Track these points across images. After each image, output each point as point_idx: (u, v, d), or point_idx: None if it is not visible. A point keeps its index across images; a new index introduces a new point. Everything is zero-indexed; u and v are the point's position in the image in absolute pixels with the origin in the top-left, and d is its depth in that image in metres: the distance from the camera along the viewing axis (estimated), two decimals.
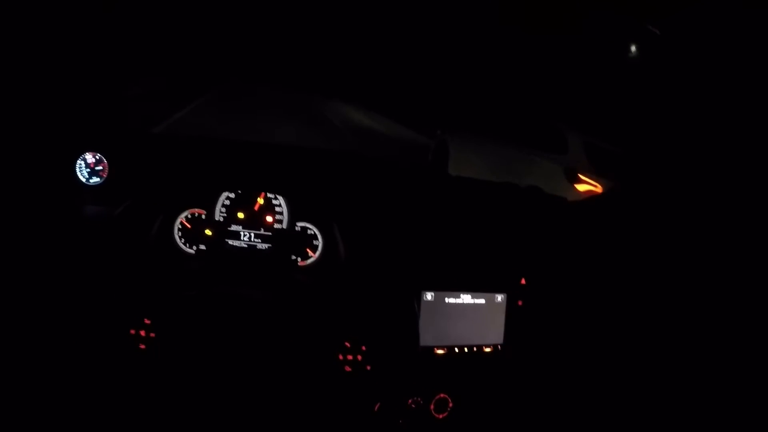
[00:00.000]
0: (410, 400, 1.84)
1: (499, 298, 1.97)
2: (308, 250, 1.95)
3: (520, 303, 1.98)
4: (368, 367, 1.71)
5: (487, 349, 1.95)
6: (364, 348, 1.72)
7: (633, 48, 2.34)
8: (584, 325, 2.07)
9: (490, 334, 1.96)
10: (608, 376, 2.06)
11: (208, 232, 1.92)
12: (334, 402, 1.69)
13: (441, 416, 1.88)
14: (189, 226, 1.92)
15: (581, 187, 2.36)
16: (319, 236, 1.95)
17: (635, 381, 2.05)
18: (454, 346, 1.91)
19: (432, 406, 1.87)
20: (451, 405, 1.89)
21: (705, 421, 1.94)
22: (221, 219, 1.92)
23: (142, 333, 1.64)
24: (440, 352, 1.89)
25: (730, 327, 1.94)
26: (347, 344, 1.71)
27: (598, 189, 2.35)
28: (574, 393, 2.04)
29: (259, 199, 1.93)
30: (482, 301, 1.95)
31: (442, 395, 1.88)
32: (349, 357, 1.71)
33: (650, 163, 2.31)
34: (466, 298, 1.93)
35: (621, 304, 2.08)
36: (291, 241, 1.94)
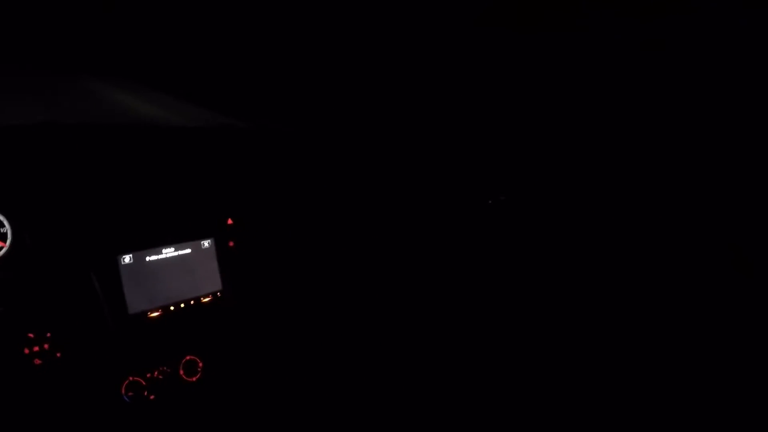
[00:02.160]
0: (156, 372, 1.72)
1: (206, 243, 1.80)
2: None
3: (231, 244, 1.80)
4: (58, 354, 1.60)
5: (206, 299, 1.83)
6: (48, 335, 1.59)
7: None
8: (297, 258, 2.03)
9: (206, 283, 1.84)
10: (329, 302, 2.00)
11: None
12: (35, 399, 1.60)
13: (194, 379, 1.79)
14: None
15: None
16: (6, 223, 1.72)
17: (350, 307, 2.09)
18: (169, 305, 1.77)
19: (181, 371, 1.77)
20: (201, 364, 1.80)
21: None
22: None
23: None
24: (155, 314, 1.75)
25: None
26: (31, 335, 1.59)
27: None
28: (303, 325, 2.02)
29: None
30: (188, 250, 1.81)
31: (188, 358, 1.78)
32: (36, 348, 1.59)
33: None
34: (169, 252, 1.78)
35: (328, 233, 2.06)
36: None
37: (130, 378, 1.66)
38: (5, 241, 1.65)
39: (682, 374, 1.98)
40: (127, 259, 1.70)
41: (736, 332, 1.95)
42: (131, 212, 1.76)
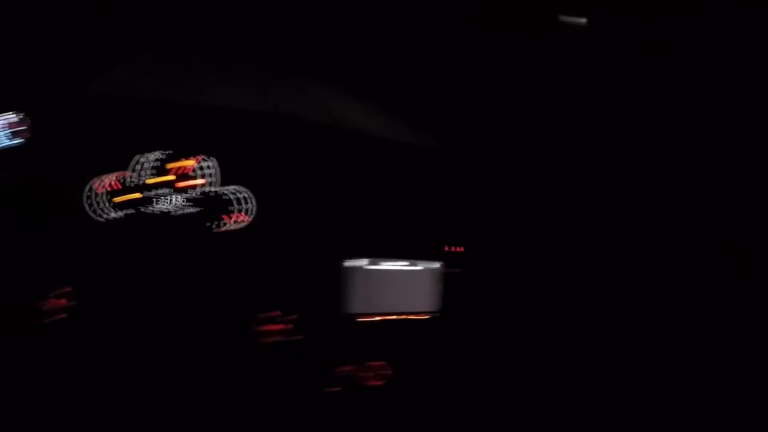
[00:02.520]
0: (348, 369, 1.83)
1: (435, 265, 1.99)
2: (236, 215, 1.85)
3: (457, 271, 1.99)
4: (296, 337, 1.74)
5: (423, 317, 1.94)
6: (291, 317, 1.75)
7: None
8: (520, 297, 2.05)
9: (426, 302, 1.97)
10: (544, 344, 2.06)
11: (133, 195, 1.82)
12: (268, 373, 1.74)
13: (379, 384, 1.84)
14: (115, 188, 1.80)
15: None
16: (250, 201, 1.83)
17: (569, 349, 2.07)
18: (388, 314, 1.91)
19: (371, 374, 1.84)
20: (389, 372, 1.86)
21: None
22: (147, 182, 1.83)
23: (63, 302, 1.63)
24: (373, 319, 1.89)
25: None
26: (275, 313, 1.76)
27: None
28: (509, 363, 2.03)
29: (187, 161, 1.82)
30: (418, 268, 1.96)
31: (379, 363, 1.86)
32: (277, 327, 1.75)
33: None
34: (400, 266, 1.93)
35: (561, 277, 2.07)
36: (218, 206, 1.85)
37: (336, 370, 1.81)
38: (244, 216, 1.86)
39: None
40: (362, 264, 1.88)
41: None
42: (376, 223, 1.94)
